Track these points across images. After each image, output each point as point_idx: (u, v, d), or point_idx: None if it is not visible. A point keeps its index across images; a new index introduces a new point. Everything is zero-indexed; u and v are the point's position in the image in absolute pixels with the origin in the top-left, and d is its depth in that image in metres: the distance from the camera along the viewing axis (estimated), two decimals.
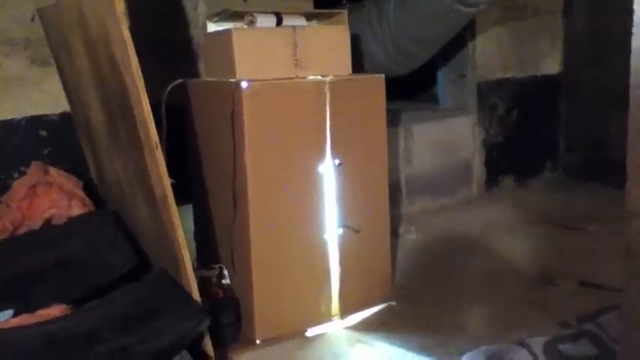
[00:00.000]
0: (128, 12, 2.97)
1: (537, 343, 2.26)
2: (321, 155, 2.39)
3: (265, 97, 2.23)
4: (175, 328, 1.84)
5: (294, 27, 2.38)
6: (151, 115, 1.79)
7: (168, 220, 1.89)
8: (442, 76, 4.40)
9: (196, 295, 1.97)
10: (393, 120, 3.90)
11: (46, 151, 2.72)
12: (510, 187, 4.48)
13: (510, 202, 4.16)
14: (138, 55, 2.81)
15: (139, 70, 1.74)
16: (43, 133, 2.73)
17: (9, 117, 2.64)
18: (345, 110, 2.42)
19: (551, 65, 4.52)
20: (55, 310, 1.96)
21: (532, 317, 2.49)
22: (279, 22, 2.43)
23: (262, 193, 2.27)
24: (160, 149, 1.80)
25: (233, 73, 2.27)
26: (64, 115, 2.75)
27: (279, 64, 2.35)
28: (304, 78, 2.38)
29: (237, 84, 2.19)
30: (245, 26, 2.39)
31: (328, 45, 2.47)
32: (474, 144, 4.24)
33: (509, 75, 4.29)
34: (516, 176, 4.49)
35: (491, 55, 4.18)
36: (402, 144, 3.86)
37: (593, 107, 4.38)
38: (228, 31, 2.29)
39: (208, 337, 2.02)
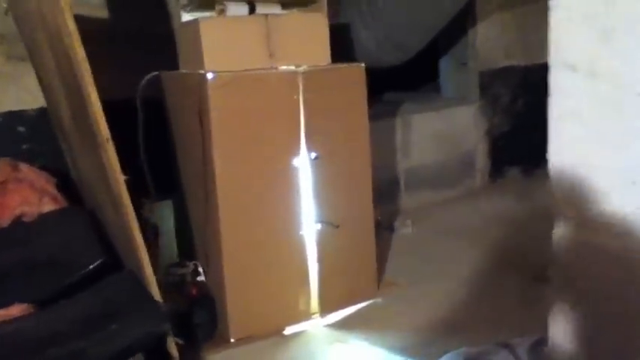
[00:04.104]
0: (111, 6, 2.93)
1: (522, 344, 2.14)
2: (295, 149, 2.30)
3: (233, 88, 2.15)
4: (132, 330, 1.78)
5: (266, 15, 2.29)
6: (101, 110, 1.72)
7: (124, 217, 1.83)
8: (444, 64, 4.26)
9: (157, 296, 1.91)
10: (391, 111, 3.79)
11: (24, 147, 2.69)
12: (516, 179, 4.33)
13: (515, 193, 4.01)
14: (123, 50, 2.79)
15: (87, 63, 1.68)
16: (22, 129, 2.69)
17: None
18: (322, 102, 2.33)
19: None
20: (16, 310, 1.93)
21: (524, 317, 2.37)
22: (252, 11, 2.35)
23: (232, 188, 2.20)
24: (111, 145, 1.73)
25: (202, 65, 2.20)
26: (42, 111, 2.71)
27: (252, 55, 2.26)
28: (277, 69, 2.29)
29: (204, 75, 2.11)
30: (215, 15, 2.32)
31: (305, 34, 2.37)
32: (478, 134, 4.10)
33: (513, 62, 4.13)
34: (523, 167, 4.33)
35: (493, 42, 4.02)
36: (399, 135, 3.75)
37: None
38: (195, 21, 2.22)
39: (171, 338, 1.95)
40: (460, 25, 3.91)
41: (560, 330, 1.14)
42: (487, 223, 3.48)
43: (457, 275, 2.83)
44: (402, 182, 3.79)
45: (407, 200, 3.81)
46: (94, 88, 1.70)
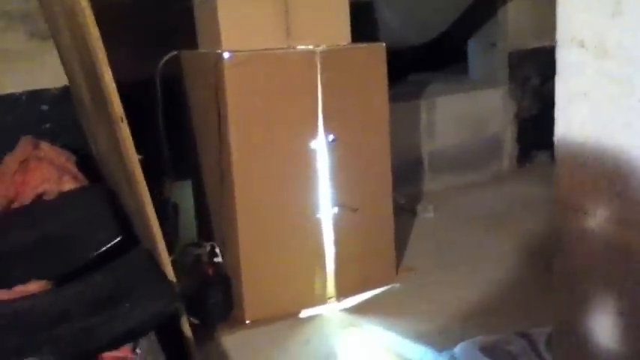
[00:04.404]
0: None
1: (540, 334, 2.09)
2: (313, 131, 2.27)
3: (250, 68, 2.13)
4: (143, 310, 1.78)
5: None
6: (115, 89, 1.71)
7: (138, 197, 1.83)
8: (472, 45, 4.14)
9: (171, 275, 1.91)
10: (416, 92, 3.72)
11: (47, 126, 2.71)
12: (545, 163, 4.21)
13: (543, 179, 3.87)
14: (145, 31, 2.77)
15: (100, 42, 1.66)
16: (44, 107, 2.72)
17: (8, 91, 2.64)
18: (340, 82, 2.28)
19: None
20: (34, 287, 1.95)
21: (544, 306, 2.31)
22: None
23: (248, 170, 2.19)
24: (125, 124, 1.72)
25: (219, 44, 2.17)
26: (64, 90, 2.72)
27: (269, 34, 2.23)
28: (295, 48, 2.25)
29: (220, 55, 2.09)
30: None
31: (324, 12, 2.33)
32: (506, 117, 3.99)
33: (544, 43, 3.98)
34: (552, 152, 4.20)
35: (524, 21, 3.89)
36: (424, 117, 3.68)
37: None
38: (213, 0, 2.19)
39: (185, 317, 1.96)
40: (489, 4, 3.79)
41: (567, 320, 1.10)
42: (512, 209, 3.40)
43: (477, 262, 2.77)
44: (425, 165, 3.73)
45: (430, 184, 3.75)
46: (108, 67, 1.69)
